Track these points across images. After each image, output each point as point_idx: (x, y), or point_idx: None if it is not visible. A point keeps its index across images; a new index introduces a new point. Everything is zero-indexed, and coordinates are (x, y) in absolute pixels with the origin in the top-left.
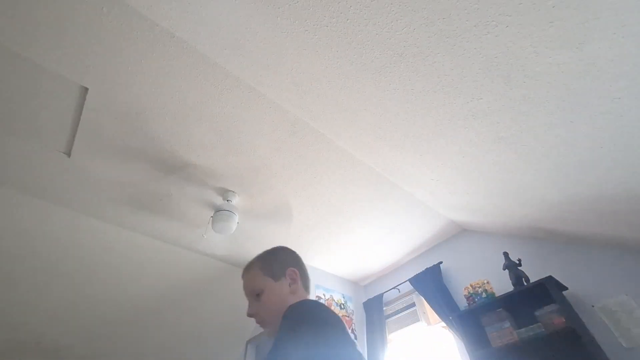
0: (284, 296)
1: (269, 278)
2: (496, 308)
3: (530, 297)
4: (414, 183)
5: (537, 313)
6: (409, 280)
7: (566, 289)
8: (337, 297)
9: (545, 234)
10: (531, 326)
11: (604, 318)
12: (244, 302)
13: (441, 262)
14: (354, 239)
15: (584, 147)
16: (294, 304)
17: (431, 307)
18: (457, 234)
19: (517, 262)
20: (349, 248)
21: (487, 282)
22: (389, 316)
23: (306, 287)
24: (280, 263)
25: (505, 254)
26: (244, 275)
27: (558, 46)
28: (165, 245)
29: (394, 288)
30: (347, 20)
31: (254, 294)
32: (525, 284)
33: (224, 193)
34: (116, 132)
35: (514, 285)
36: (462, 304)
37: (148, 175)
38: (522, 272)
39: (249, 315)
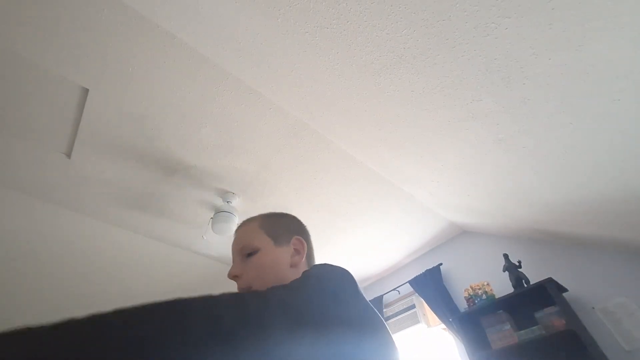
0: (282, 266)
1: (268, 239)
2: (496, 310)
3: (530, 298)
4: (414, 184)
5: (537, 315)
6: (409, 281)
7: (566, 290)
8: None
9: (545, 236)
10: (531, 328)
11: (605, 320)
12: None
13: (441, 264)
14: (354, 240)
15: (583, 149)
16: (324, 265)
17: (431, 308)
18: (457, 235)
19: (517, 263)
20: (349, 249)
21: (487, 284)
22: (388, 318)
23: (310, 267)
24: (286, 228)
25: (505, 256)
26: (237, 230)
27: (557, 48)
28: (165, 247)
29: (393, 290)
30: (348, 22)
31: (245, 253)
32: (525, 285)
33: (224, 194)
34: (116, 134)
35: (514, 287)
36: (462, 305)
37: (148, 177)
38: (522, 273)
39: (232, 275)
